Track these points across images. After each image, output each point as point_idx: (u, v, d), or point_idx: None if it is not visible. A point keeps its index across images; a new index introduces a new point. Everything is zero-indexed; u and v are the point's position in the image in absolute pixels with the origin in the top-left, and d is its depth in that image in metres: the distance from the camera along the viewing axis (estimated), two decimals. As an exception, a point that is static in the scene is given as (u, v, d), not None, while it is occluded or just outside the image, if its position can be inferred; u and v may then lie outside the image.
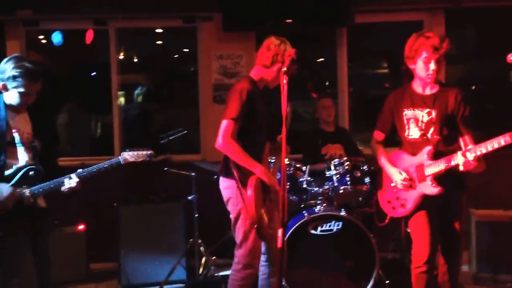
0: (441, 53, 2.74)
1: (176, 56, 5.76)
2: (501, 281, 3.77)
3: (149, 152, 2.74)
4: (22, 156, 2.67)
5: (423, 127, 2.84)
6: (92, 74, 5.56)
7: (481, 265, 3.84)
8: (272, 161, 3.28)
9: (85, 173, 2.68)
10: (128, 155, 2.72)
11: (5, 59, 2.66)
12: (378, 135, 3.10)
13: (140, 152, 2.72)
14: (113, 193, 4.14)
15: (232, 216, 2.86)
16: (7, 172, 2.62)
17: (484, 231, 3.84)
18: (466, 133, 2.81)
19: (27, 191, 2.64)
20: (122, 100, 5.02)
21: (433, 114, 2.81)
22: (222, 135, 2.71)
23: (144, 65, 5.58)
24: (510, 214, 3.84)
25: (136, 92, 5.40)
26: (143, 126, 5.44)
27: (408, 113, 2.88)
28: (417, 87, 2.89)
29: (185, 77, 5.53)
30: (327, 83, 5.44)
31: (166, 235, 4.04)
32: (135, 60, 5.57)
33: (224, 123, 2.72)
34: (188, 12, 4.63)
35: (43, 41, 5.00)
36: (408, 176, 2.86)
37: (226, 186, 2.86)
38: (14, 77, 2.60)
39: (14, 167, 2.64)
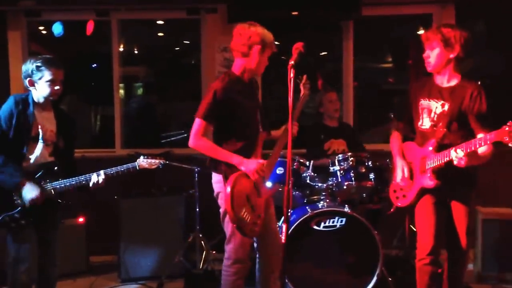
0: (432, 39, 2.75)
1: (178, 48, 5.70)
2: (507, 280, 3.72)
3: (161, 161, 2.98)
4: (41, 152, 2.83)
5: (434, 119, 2.83)
6: (93, 65, 5.51)
7: (487, 263, 3.79)
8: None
9: (112, 172, 2.88)
10: (143, 162, 2.94)
11: (24, 63, 2.86)
12: (398, 125, 3.11)
13: (154, 161, 2.96)
14: (114, 186, 4.10)
15: (221, 210, 2.84)
16: (25, 165, 2.80)
17: (490, 229, 3.79)
18: (481, 132, 2.69)
19: (48, 186, 2.83)
20: (122, 92, 4.97)
21: (446, 107, 2.79)
22: (193, 134, 2.75)
23: (145, 57, 5.53)
24: (516, 212, 3.78)
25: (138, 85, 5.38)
26: (144, 119, 5.40)
27: (423, 103, 2.89)
28: (436, 79, 2.90)
29: (187, 69, 5.47)
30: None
31: (166, 228, 4.00)
32: (136, 52, 5.51)
33: (195, 122, 2.77)
34: (192, 3, 4.57)
35: (44, 32, 4.95)
36: (413, 169, 2.90)
37: (215, 180, 2.85)
38: (37, 68, 2.78)
39: (33, 162, 2.81)
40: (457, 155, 2.57)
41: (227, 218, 2.77)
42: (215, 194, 2.87)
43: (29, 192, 2.75)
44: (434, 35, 2.76)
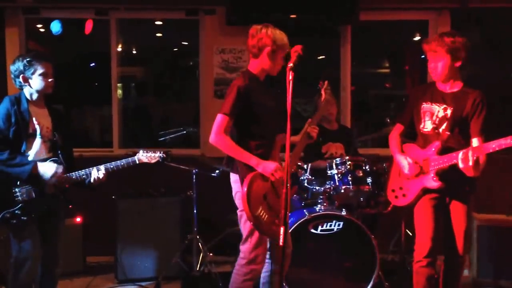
0: (439, 50, 2.78)
1: (176, 49, 5.69)
2: (502, 286, 3.74)
3: (161, 155, 2.96)
4: (40, 148, 2.84)
5: (436, 122, 2.88)
6: (91, 65, 5.49)
7: (482, 269, 3.81)
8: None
9: (112, 166, 2.89)
10: (142, 156, 2.94)
11: (12, 64, 2.87)
12: (397, 127, 3.14)
13: (153, 154, 2.95)
14: (112, 186, 4.09)
15: (238, 211, 2.83)
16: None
17: (486, 236, 3.81)
18: (475, 136, 2.80)
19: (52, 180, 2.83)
20: (120, 92, 4.96)
21: (449, 111, 2.85)
22: (214, 130, 2.72)
23: (142, 57, 5.52)
24: (512, 219, 3.81)
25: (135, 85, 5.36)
26: (142, 119, 5.39)
27: (425, 106, 2.93)
28: (439, 85, 2.94)
29: (185, 70, 5.47)
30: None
31: (164, 229, 3.99)
32: (134, 52, 5.50)
33: (217, 118, 2.74)
34: (192, 4, 4.57)
35: (42, 30, 4.92)
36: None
37: (233, 180, 2.84)
38: (29, 63, 2.80)
39: (32, 158, 2.80)
40: (465, 157, 2.59)
41: (244, 218, 2.76)
42: (233, 194, 2.85)
43: (48, 169, 2.78)
44: (441, 46, 2.77)
